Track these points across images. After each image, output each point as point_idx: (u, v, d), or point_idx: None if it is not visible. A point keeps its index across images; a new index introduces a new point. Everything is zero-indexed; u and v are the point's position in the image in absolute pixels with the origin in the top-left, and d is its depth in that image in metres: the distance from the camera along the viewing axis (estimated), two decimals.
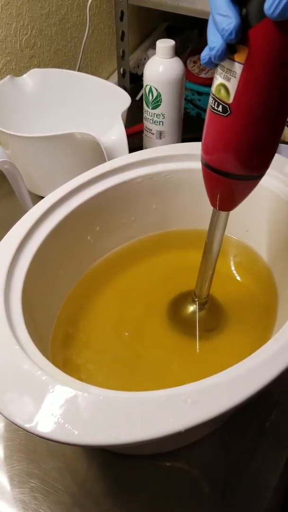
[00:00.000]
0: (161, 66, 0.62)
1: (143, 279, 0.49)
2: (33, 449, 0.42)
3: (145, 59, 0.98)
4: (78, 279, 0.47)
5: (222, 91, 0.29)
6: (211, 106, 0.30)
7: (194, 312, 0.43)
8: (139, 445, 0.28)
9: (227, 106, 0.29)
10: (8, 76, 0.66)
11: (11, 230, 0.41)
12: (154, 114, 0.65)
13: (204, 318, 0.43)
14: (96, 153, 0.56)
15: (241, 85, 0.28)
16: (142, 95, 0.73)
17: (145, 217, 0.51)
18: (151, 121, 0.66)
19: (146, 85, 0.64)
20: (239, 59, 0.27)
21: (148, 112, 0.65)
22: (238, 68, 0.28)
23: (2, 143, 0.62)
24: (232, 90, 0.29)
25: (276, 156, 0.48)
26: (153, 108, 0.64)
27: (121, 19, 0.85)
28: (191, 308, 0.43)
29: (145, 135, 0.69)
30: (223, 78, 0.29)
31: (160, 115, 0.65)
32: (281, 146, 0.65)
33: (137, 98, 0.89)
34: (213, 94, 0.30)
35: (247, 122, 0.29)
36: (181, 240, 0.52)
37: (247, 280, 0.48)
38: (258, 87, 0.28)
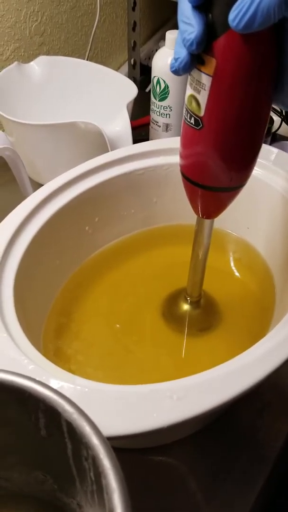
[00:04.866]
0: (170, 58, 0.61)
1: (140, 273, 0.48)
2: None
3: (157, 50, 0.96)
4: (74, 270, 0.46)
5: (193, 103, 0.27)
6: (184, 117, 0.29)
7: (187, 310, 0.43)
8: (122, 439, 0.27)
9: (199, 119, 0.27)
10: (15, 63, 0.65)
11: (7, 216, 0.40)
12: (161, 106, 0.64)
13: (198, 317, 0.43)
14: (100, 143, 0.56)
15: (211, 99, 0.26)
16: None
17: (145, 210, 0.50)
18: (158, 113, 0.65)
19: (154, 77, 0.63)
20: (207, 71, 0.25)
21: (155, 104, 0.65)
22: (206, 80, 0.26)
23: (6, 130, 0.62)
24: (202, 103, 0.27)
25: (284, 154, 0.47)
26: (160, 100, 0.64)
27: (133, 9, 0.84)
28: (185, 306, 0.43)
29: (152, 127, 0.68)
30: (193, 89, 0.27)
31: (167, 108, 0.64)
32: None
33: (147, 90, 0.88)
34: (185, 105, 0.28)
35: (219, 137, 0.28)
36: (181, 234, 0.51)
37: (246, 277, 0.47)
38: (229, 102, 0.26)
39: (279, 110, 0.69)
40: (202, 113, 0.27)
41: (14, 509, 0.33)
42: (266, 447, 0.40)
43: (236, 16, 0.22)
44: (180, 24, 0.25)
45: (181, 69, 0.26)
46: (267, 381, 0.29)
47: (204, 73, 0.26)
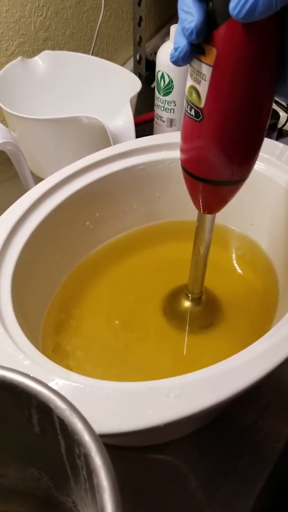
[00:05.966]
0: None
1: (142, 270, 0.48)
2: None
3: None
4: (74, 266, 0.46)
5: (194, 95, 0.27)
6: (185, 109, 0.28)
7: (188, 307, 0.42)
8: (117, 437, 0.27)
9: (199, 110, 0.27)
10: (19, 57, 0.65)
11: (7, 210, 0.40)
12: (165, 101, 0.63)
13: (199, 314, 0.42)
14: (103, 138, 0.55)
15: (211, 90, 0.26)
16: None
17: (147, 205, 0.49)
18: (162, 108, 0.64)
19: (158, 71, 0.62)
20: (208, 61, 0.25)
21: (159, 98, 0.64)
22: (207, 70, 0.25)
23: (10, 125, 0.61)
24: (203, 94, 0.26)
25: None
26: (165, 95, 0.63)
27: (139, 4, 0.83)
28: (186, 303, 0.42)
29: (156, 123, 0.67)
30: (194, 80, 0.26)
31: (171, 102, 0.63)
32: None
33: (153, 85, 0.87)
34: (186, 96, 0.28)
35: (220, 129, 0.27)
36: (184, 231, 0.50)
37: (248, 274, 0.47)
38: (229, 93, 0.25)
39: (286, 106, 0.68)
40: (202, 104, 0.27)
41: (11, 506, 0.33)
42: (266, 447, 0.39)
43: (236, 4, 0.22)
44: (180, 13, 0.25)
45: (181, 59, 0.25)
46: (268, 380, 0.28)
47: (204, 63, 0.25)
